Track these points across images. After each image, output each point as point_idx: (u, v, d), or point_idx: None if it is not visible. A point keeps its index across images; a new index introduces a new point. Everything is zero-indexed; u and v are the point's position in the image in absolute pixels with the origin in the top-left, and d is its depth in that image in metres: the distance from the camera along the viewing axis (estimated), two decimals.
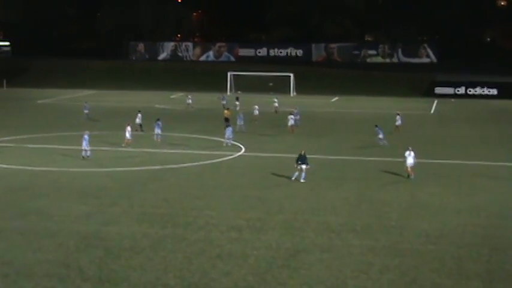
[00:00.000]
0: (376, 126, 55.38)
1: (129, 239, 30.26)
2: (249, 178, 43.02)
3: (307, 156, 42.40)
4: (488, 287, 25.20)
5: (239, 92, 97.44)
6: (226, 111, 64.66)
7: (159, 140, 54.74)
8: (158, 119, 57.21)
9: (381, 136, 53.99)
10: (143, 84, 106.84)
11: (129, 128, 52.84)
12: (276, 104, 76.11)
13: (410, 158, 43.15)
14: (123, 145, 52.51)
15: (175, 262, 27.38)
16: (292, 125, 60.80)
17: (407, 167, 43.22)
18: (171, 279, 25.55)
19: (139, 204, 36.27)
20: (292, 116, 61.68)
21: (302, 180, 41.66)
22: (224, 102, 77.65)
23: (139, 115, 60.68)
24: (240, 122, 61.49)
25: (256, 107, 69.49)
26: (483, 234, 31.51)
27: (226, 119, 62.47)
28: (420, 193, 39.37)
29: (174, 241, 30.04)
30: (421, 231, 31.82)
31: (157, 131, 55.47)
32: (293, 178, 41.98)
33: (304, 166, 41.80)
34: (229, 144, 53.12)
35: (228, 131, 53.71)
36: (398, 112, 64.11)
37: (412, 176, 43.09)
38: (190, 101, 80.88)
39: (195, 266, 27.00)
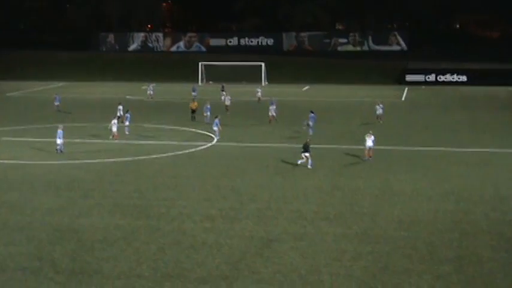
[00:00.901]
0: (311, 112, 55.09)
1: (102, 230, 30.19)
2: (221, 168, 43.04)
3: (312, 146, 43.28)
4: (459, 271, 25.48)
5: (210, 82, 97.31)
6: (192, 103, 63.19)
7: (127, 132, 54.23)
8: (127, 111, 56.98)
9: (310, 123, 53.45)
10: (114, 76, 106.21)
11: (115, 121, 52.34)
12: (259, 94, 75.95)
13: (369, 141, 44.57)
14: (110, 137, 51.90)
15: (148, 253, 27.37)
16: (273, 115, 60.31)
17: (366, 149, 44.42)
18: (144, 270, 25.54)
19: (112, 195, 36.17)
20: (271, 107, 61.10)
21: (309, 167, 42.46)
22: (194, 93, 76.40)
23: (120, 107, 59.73)
24: (206, 112, 60.45)
25: (229, 97, 69.39)
26: (454, 220, 31.83)
27: (193, 111, 61.77)
28: (392, 180, 39.63)
29: (147, 232, 30.01)
30: (393, 218, 32.07)
31: (126, 122, 55.16)
32: (298, 162, 42.94)
33: (307, 154, 42.71)
34: (217, 137, 52.18)
35: (214, 124, 52.31)
36: (379, 102, 63.67)
37: (370, 159, 44.22)
38: (151, 92, 79.52)
39: (168, 256, 27.01)
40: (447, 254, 27.23)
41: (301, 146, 43.52)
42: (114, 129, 51.81)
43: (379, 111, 61.50)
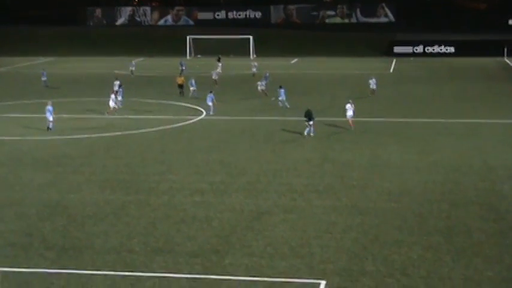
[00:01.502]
0: (280, 87, 54.87)
1: (92, 206, 30.18)
2: (210, 142, 43.02)
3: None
4: (448, 241, 25.62)
5: (199, 56, 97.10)
6: (179, 78, 62.41)
7: (120, 106, 54.03)
8: (120, 85, 56.83)
9: (280, 98, 53.11)
10: (102, 50, 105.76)
11: (113, 96, 52.06)
12: (254, 69, 75.15)
13: (350, 111, 45.56)
14: (107, 112, 51.65)
15: (139, 228, 27.40)
16: (262, 90, 60.02)
17: (349, 120, 45.43)
18: (135, 245, 25.57)
19: (101, 171, 36.12)
20: (260, 82, 60.86)
21: (311, 134, 43.59)
22: (183, 68, 75.85)
23: (116, 82, 59.25)
24: (192, 86, 60.30)
25: (217, 70, 69.21)
26: (443, 191, 31.96)
27: (180, 85, 61.28)
28: (381, 152, 39.71)
29: (137, 207, 30.02)
30: (382, 190, 32.17)
31: (119, 97, 54.91)
32: (305, 133, 43.72)
33: (311, 122, 43.55)
34: (211, 112, 51.79)
35: (209, 98, 52.02)
36: (372, 76, 63.54)
37: (352, 128, 45.12)
38: (133, 68, 77.83)
39: (159, 231, 27.04)
40: (436, 225, 27.36)
41: (304, 115, 44.14)
42: (112, 104, 51.54)
43: (372, 86, 61.18)
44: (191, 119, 50.36)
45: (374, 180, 33.78)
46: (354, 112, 46.04)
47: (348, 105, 46.09)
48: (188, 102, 57.06)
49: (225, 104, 56.71)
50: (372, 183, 33.25)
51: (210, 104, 51.92)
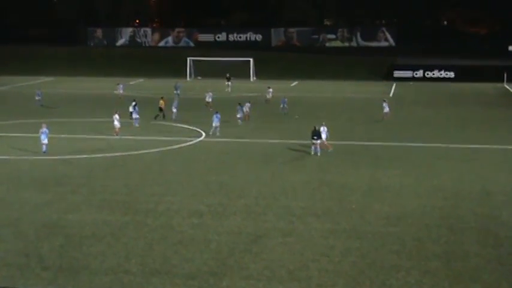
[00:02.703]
0: (239, 104, 54.92)
1: (90, 226, 30.11)
2: (209, 163, 43.01)
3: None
4: (447, 267, 25.56)
5: (199, 77, 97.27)
6: (161, 101, 60.98)
7: (137, 125, 55.26)
8: (136, 104, 57.47)
9: (215, 124, 52.44)
10: (102, 71, 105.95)
11: (117, 116, 52.05)
12: (270, 95, 71.74)
13: (323, 133, 45.96)
14: (114, 134, 51.69)
15: (136, 249, 27.32)
16: (247, 112, 60.05)
17: (322, 142, 45.78)
18: (132, 266, 25.49)
19: (100, 191, 36.08)
20: (248, 104, 60.96)
21: (318, 154, 44.70)
22: (177, 91, 73.98)
23: (133, 103, 59.01)
24: (174, 109, 60.16)
25: (210, 93, 68.94)
26: (441, 216, 31.92)
27: (160, 109, 60.10)
28: (380, 176, 39.70)
29: (135, 228, 29.96)
30: (381, 214, 32.12)
31: (135, 115, 56.08)
32: (313, 153, 44.86)
33: (319, 141, 44.62)
34: (217, 133, 51.88)
35: (216, 119, 52.09)
36: (384, 99, 63.85)
37: (330, 149, 45.62)
38: (121, 91, 75.29)
39: (156, 252, 26.97)
40: (435, 250, 27.31)
41: (311, 133, 45.12)
42: (117, 124, 51.54)
43: (386, 109, 61.11)
44: (190, 141, 50.37)
45: (373, 204, 33.74)
46: (327, 135, 46.23)
47: (322, 128, 46.16)
48: (187, 124, 57.06)
49: (223, 126, 56.71)
50: (371, 207, 33.21)
51: (217, 125, 51.92)
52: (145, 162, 43.57)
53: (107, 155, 45.51)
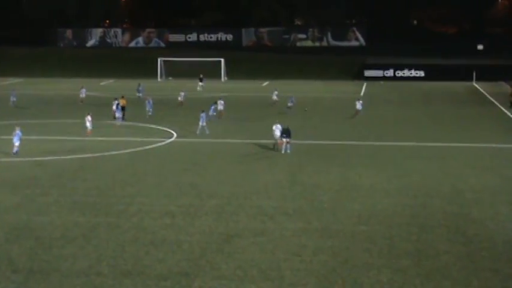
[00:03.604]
0: (203, 111, 54.60)
1: (61, 228, 29.92)
2: (181, 164, 42.93)
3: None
4: (417, 264, 25.73)
5: (170, 78, 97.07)
6: (121, 100, 60.79)
7: (119, 123, 56.23)
8: (118, 104, 58.09)
9: (202, 123, 52.74)
10: (72, 72, 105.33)
11: (89, 118, 51.84)
12: (275, 97, 70.01)
13: (277, 131, 46.24)
14: (86, 134, 51.51)
15: (108, 250, 27.20)
16: (220, 110, 60.27)
17: (276, 140, 46.29)
18: (104, 268, 25.37)
19: (71, 193, 35.85)
20: (221, 101, 61.19)
21: (288, 151, 45.17)
22: (140, 94, 72.85)
23: (116, 102, 59.43)
24: (148, 107, 61.07)
25: (182, 93, 69.33)
26: (412, 214, 32.12)
27: (123, 108, 60.04)
28: (351, 175, 39.86)
29: (106, 229, 29.82)
30: (352, 213, 32.26)
31: (117, 114, 57.09)
32: (282, 151, 45.25)
33: (288, 139, 45.00)
34: (206, 131, 52.19)
35: (202, 119, 52.40)
36: (359, 98, 65.20)
37: (282, 150, 45.65)
38: (83, 95, 72.47)
39: (128, 253, 26.87)
40: (406, 248, 27.48)
41: (281, 132, 45.57)
42: (88, 125, 51.42)
43: (358, 106, 62.30)
44: (162, 141, 50.24)
45: (344, 203, 33.88)
46: (280, 132, 46.41)
47: (275, 126, 46.68)
48: (158, 124, 56.93)
49: (195, 126, 56.64)
50: (342, 206, 33.34)
51: (204, 124, 52.26)
52: (116, 163, 43.38)
53: (78, 156, 45.25)
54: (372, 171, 40.72)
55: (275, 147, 46.54)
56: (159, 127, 56.05)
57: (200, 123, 52.49)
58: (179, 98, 68.76)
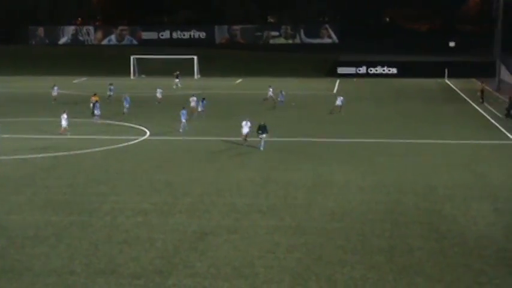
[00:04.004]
0: (184, 108, 54.81)
1: (33, 227, 29.71)
2: (154, 162, 42.79)
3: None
4: (391, 260, 25.85)
5: (143, 75, 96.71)
6: (93, 97, 61.01)
7: (99, 122, 56.37)
8: (96, 101, 58.76)
9: (183, 120, 52.99)
10: (44, 70, 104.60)
11: (65, 115, 51.56)
12: (270, 93, 69.96)
13: (246, 128, 47.01)
14: (61, 133, 51.21)
15: (81, 249, 27.05)
16: (193, 107, 60.08)
17: (242, 135, 46.97)
18: (77, 267, 25.23)
19: (43, 191, 35.61)
20: (194, 98, 61.10)
21: (261, 149, 45.50)
22: (111, 93, 71.60)
23: (92, 99, 60.36)
24: (126, 104, 61.74)
25: (159, 89, 69.70)
26: (385, 210, 32.27)
27: (93, 105, 60.24)
28: (324, 172, 39.96)
29: (79, 228, 29.65)
30: (326, 210, 32.34)
31: (96, 111, 57.64)
32: (261, 148, 45.71)
33: (264, 135, 45.37)
34: (186, 128, 52.61)
35: (182, 116, 52.72)
36: (340, 94, 66.05)
37: (246, 143, 46.68)
38: (55, 93, 71.58)
39: (101, 252, 26.74)
40: (379, 244, 27.60)
41: (257, 128, 45.99)
42: (64, 123, 51.16)
43: (338, 102, 63.31)
44: (135, 139, 50.05)
45: (317, 200, 33.96)
46: (249, 129, 47.08)
47: (244, 123, 47.24)
48: (132, 122, 56.72)
49: (168, 124, 56.54)
50: (316, 203, 33.41)
51: (184, 120, 52.54)
52: (89, 161, 43.14)
53: (51, 154, 44.96)
54: (345, 168, 40.85)
55: (244, 143, 47.01)
56: (132, 125, 55.83)
57: (183, 120, 52.66)
58: (157, 95, 69.21)
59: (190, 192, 35.48)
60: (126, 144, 48.59)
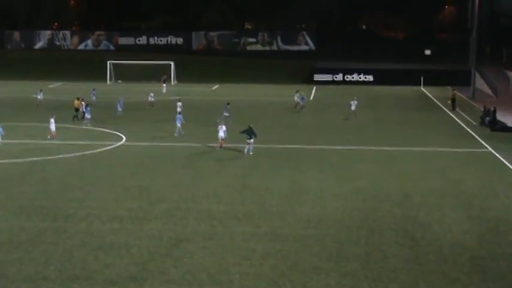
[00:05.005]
0: (179, 112, 56.31)
1: (7, 233, 29.48)
2: (130, 168, 42.65)
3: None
4: (366, 268, 25.93)
5: (119, 81, 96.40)
6: (76, 101, 61.10)
7: (89, 125, 56.87)
8: (87, 105, 59.05)
9: (179, 124, 53.83)
10: (20, 74, 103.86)
11: (52, 120, 51.25)
12: (296, 98, 70.16)
13: (221, 132, 47.64)
14: (48, 137, 50.92)
15: (55, 255, 26.88)
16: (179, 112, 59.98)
17: (219, 139, 47.66)
18: (51, 273, 25.07)
19: (17, 197, 35.34)
20: (179, 104, 61.24)
21: (250, 153, 45.92)
22: (94, 98, 71.22)
23: (82, 103, 60.56)
24: (119, 108, 62.77)
25: (152, 93, 70.20)
26: (361, 217, 32.37)
27: (76, 109, 60.42)
28: (300, 179, 40.02)
29: (54, 234, 29.47)
30: (302, 216, 32.38)
31: (87, 115, 57.82)
32: (245, 151, 46.10)
33: (252, 140, 45.68)
34: (182, 132, 53.31)
35: (178, 120, 53.59)
36: (354, 97, 66.62)
37: (221, 148, 47.35)
38: (40, 97, 70.50)
39: (76, 258, 26.59)
40: (354, 251, 27.68)
41: (245, 132, 46.36)
42: (52, 127, 50.92)
43: (353, 107, 64.12)
44: (111, 145, 49.85)
45: (293, 207, 33.99)
46: (224, 133, 47.76)
47: (220, 126, 48.27)
48: (108, 128, 56.49)
49: (145, 129, 56.42)
50: (291, 210, 33.45)
51: (179, 125, 53.31)
52: (65, 167, 42.91)
53: (26, 159, 44.66)
54: (321, 175, 40.94)
55: (218, 148, 47.70)
56: (108, 130, 55.59)
57: (178, 125, 53.38)
58: (149, 99, 70.06)
59: (166, 198, 35.39)
60: (102, 149, 48.36)
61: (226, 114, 59.28)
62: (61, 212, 32.68)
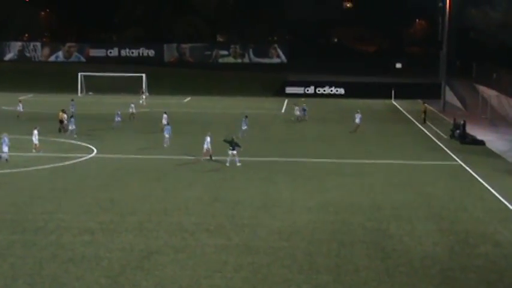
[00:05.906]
0: (168, 123, 56.86)
1: None
2: (101, 180, 42.44)
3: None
4: (337, 280, 25.99)
5: (90, 93, 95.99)
6: (60, 113, 61.36)
7: (75, 136, 57.36)
8: (72, 116, 59.77)
9: (167, 134, 54.37)
10: None
11: (35, 132, 50.83)
12: (298, 112, 72.70)
13: (205, 143, 48.54)
14: (33, 150, 50.45)
15: (25, 268, 26.64)
16: (164, 124, 59.71)
17: (204, 150, 48.71)
18: (20, 286, 24.84)
19: None
20: (165, 116, 61.35)
21: (238, 164, 46.53)
22: (73, 110, 70.22)
23: (64, 115, 61.08)
24: (117, 118, 63.59)
25: (132, 104, 70.13)
26: (332, 230, 32.46)
27: (61, 121, 60.58)
28: (272, 191, 40.07)
29: (23, 247, 29.21)
30: (273, 229, 32.40)
31: (71, 126, 58.23)
32: (227, 164, 46.54)
33: (235, 152, 46.42)
34: (168, 143, 53.71)
35: (166, 131, 54.23)
36: (358, 110, 66.86)
37: (211, 159, 48.28)
38: (21, 110, 70.49)
39: (46, 271, 26.38)
40: (325, 264, 27.73)
41: (229, 144, 46.62)
42: (35, 140, 50.53)
43: (357, 120, 64.57)
44: (82, 157, 49.58)
45: (265, 220, 34.02)
46: (208, 144, 48.48)
47: (205, 138, 48.84)
48: (79, 140, 56.18)
49: (117, 141, 56.19)
50: (263, 222, 33.46)
51: (167, 135, 53.76)
52: (34, 179, 42.60)
53: None
54: (292, 188, 41.02)
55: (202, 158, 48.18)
56: (79, 142, 55.28)
57: (166, 135, 53.85)
58: (130, 110, 70.08)
59: (137, 210, 35.26)
60: (73, 161, 48.08)
61: (244, 127, 59.94)
62: (31, 224, 32.42)
